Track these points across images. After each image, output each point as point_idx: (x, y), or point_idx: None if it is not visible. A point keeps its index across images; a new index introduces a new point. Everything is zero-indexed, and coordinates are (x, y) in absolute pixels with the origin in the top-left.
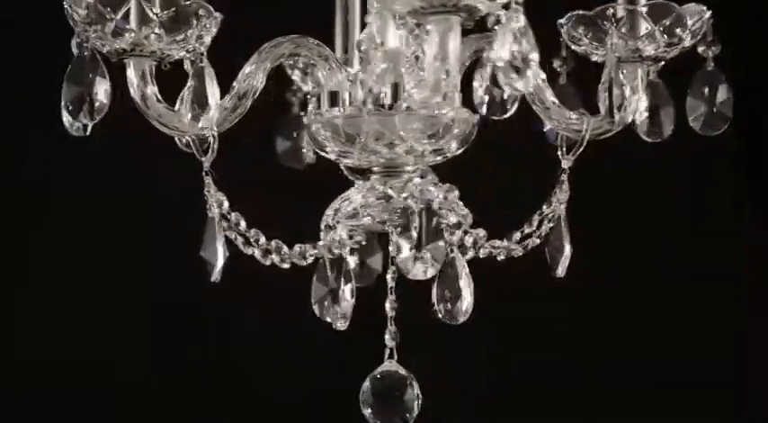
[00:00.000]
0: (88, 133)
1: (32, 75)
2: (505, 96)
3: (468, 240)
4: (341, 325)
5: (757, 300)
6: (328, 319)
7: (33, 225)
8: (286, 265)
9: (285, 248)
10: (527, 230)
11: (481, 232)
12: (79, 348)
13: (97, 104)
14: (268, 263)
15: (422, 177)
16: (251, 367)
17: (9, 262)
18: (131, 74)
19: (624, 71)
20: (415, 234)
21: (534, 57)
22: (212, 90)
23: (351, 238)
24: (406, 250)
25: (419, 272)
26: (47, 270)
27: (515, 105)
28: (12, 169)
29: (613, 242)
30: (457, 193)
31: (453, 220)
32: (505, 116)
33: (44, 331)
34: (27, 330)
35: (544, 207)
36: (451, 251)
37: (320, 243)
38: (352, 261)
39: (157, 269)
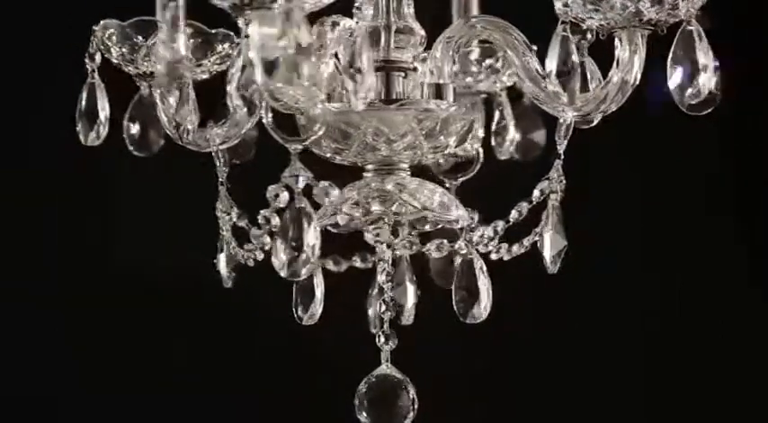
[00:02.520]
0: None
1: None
2: None
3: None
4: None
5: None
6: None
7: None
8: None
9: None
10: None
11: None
12: (83, 344)
13: (102, 126)
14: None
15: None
16: (247, 368)
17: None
18: (157, 96)
19: (621, 39)
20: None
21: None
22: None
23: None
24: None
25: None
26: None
27: None
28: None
29: (610, 236)
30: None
31: (341, 221)
32: None
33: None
34: None
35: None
36: (393, 249)
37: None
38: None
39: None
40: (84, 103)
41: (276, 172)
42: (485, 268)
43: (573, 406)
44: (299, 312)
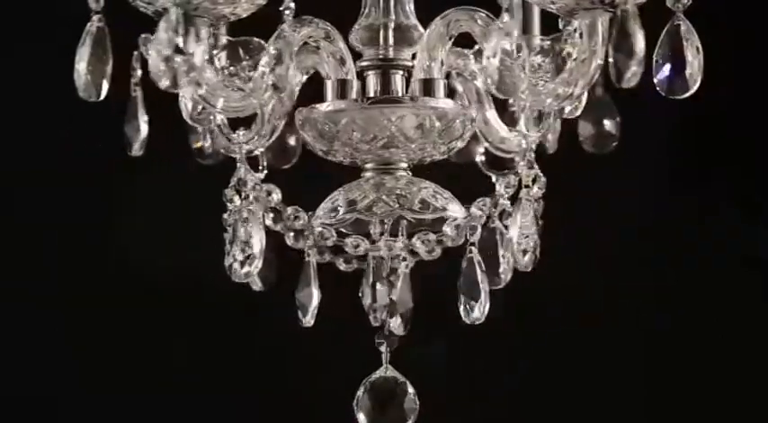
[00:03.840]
0: None
1: None
2: None
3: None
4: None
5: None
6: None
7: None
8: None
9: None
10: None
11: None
12: (83, 344)
13: (143, 137)
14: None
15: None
16: (247, 368)
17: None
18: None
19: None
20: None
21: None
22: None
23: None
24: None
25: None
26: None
27: None
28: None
29: (609, 235)
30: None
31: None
32: None
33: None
34: None
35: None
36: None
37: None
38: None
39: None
40: (128, 115)
41: (303, 177)
42: (484, 267)
43: (573, 406)
44: (299, 313)
